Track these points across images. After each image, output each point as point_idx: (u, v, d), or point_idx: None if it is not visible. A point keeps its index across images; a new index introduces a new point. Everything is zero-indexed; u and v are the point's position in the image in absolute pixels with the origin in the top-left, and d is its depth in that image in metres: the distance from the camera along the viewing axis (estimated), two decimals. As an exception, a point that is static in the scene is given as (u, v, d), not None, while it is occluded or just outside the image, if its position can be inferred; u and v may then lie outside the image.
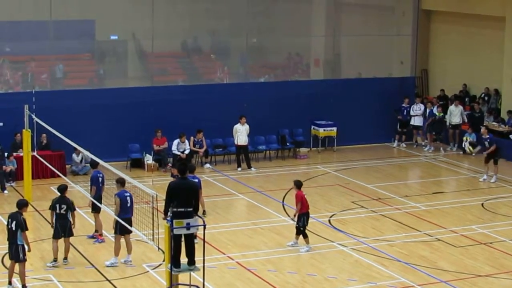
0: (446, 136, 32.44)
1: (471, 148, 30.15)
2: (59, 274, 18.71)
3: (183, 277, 15.93)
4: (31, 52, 30.08)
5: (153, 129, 28.66)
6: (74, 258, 19.71)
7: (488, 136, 28.00)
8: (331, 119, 32.02)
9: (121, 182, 19.17)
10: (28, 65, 30.22)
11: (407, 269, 19.37)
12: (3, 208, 23.73)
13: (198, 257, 15.67)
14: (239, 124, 28.97)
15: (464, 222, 23.15)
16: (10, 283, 17.70)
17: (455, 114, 31.84)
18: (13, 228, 17.37)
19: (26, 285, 17.64)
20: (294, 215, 20.49)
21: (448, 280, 18.70)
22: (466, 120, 31.79)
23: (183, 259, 15.54)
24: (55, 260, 19.20)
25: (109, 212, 19.69)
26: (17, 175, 26.47)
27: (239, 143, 29.01)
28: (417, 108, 32.58)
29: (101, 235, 21.02)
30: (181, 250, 15.42)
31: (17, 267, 17.57)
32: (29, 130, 24.54)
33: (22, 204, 17.80)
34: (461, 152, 31.48)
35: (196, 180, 20.27)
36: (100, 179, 20.77)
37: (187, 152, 28.24)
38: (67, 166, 27.72)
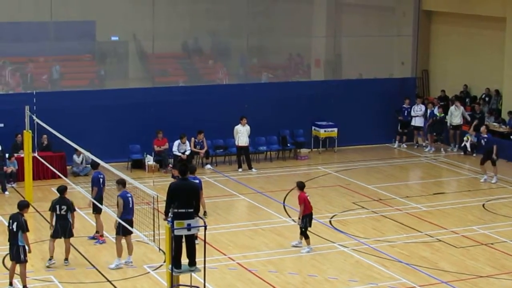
0: (447, 137, 32.44)
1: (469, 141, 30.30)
2: (60, 275, 18.71)
3: (184, 278, 15.94)
4: (32, 53, 30.10)
5: (154, 130, 28.66)
6: (75, 259, 19.71)
7: (486, 135, 27.98)
8: (331, 119, 32.01)
9: (122, 183, 19.16)
10: (28, 66, 30.23)
11: (408, 269, 19.36)
12: (4, 209, 23.74)
13: (199, 258, 15.67)
14: (239, 125, 28.98)
15: (465, 223, 23.14)
16: (11, 284, 17.71)
17: (456, 115, 31.83)
18: (14, 229, 17.37)
19: (27, 286, 17.64)
20: (299, 218, 20.45)
21: (449, 280, 18.69)
22: (469, 119, 31.73)
23: (184, 260, 15.54)
24: (51, 258, 19.20)
25: (110, 213, 19.69)
26: (18, 176, 26.47)
27: (239, 144, 29.02)
28: (418, 109, 32.58)
29: (102, 236, 21.02)
30: (182, 251, 15.42)
31: (18, 268, 17.57)
32: (30, 131, 24.55)
33: (23, 205, 17.81)
34: (462, 153, 31.49)
35: (197, 181, 20.29)
36: (101, 180, 20.78)
37: (187, 153, 28.24)
38: (68, 167, 27.72)
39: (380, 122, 32.92)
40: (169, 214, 15.24)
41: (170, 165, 28.13)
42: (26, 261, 17.53)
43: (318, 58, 34.93)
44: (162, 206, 15.74)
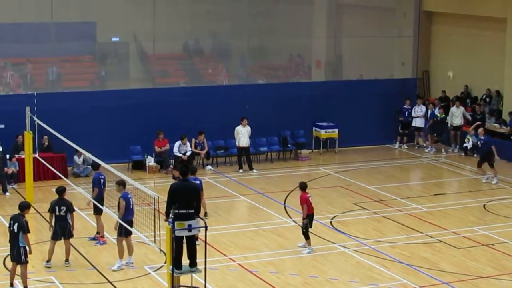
0: (448, 138, 32.44)
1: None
2: (61, 276, 18.71)
3: (184, 279, 15.94)
4: (33, 54, 30.09)
5: (155, 131, 28.66)
6: (76, 260, 19.72)
7: (483, 137, 27.93)
8: (332, 120, 32.02)
9: (122, 184, 19.16)
10: (29, 67, 30.23)
11: (409, 270, 19.36)
12: (4, 210, 23.75)
13: (199, 259, 15.68)
14: (240, 125, 28.98)
15: (465, 224, 23.14)
16: (12, 285, 17.71)
17: (457, 116, 31.85)
18: (15, 230, 17.38)
19: (28, 286, 17.64)
20: (303, 218, 20.43)
21: (450, 281, 18.69)
22: (470, 119, 31.74)
23: (185, 261, 15.54)
24: (48, 260, 19.21)
25: (110, 214, 19.68)
26: (18, 177, 26.48)
27: (240, 145, 29.02)
28: (419, 110, 32.59)
29: (102, 237, 21.03)
30: (183, 252, 15.43)
31: (18, 269, 17.58)
32: (31, 132, 24.56)
33: (24, 206, 17.82)
34: (463, 154, 31.49)
35: (198, 182, 20.32)
36: (102, 181, 20.78)
37: (188, 154, 28.26)
38: (68, 168, 27.73)
39: (380, 123, 32.92)
40: (170, 215, 15.25)
41: (171, 166, 28.11)
42: (26, 262, 17.54)
43: (319, 59, 34.93)
44: (162, 207, 15.75)
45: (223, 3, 32.45)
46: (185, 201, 15.13)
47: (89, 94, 29.60)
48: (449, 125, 32.11)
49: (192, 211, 15.19)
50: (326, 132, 31.81)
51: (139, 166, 28.83)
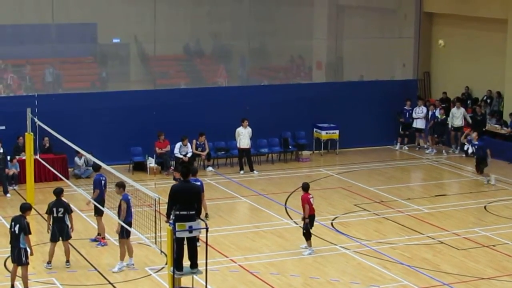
0: (448, 139, 32.44)
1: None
2: (62, 277, 18.71)
3: (185, 280, 15.93)
4: (33, 56, 30.11)
5: (156, 132, 28.67)
6: (77, 261, 19.73)
7: (477, 142, 27.81)
8: (333, 122, 32.01)
9: (122, 185, 19.17)
10: (30, 68, 30.24)
11: (410, 271, 19.35)
12: (5, 211, 23.76)
13: (200, 260, 15.67)
14: (241, 127, 28.98)
15: (466, 225, 23.13)
16: (12, 286, 17.71)
17: (457, 117, 31.85)
18: (16, 232, 17.38)
19: (29, 288, 17.68)
20: (304, 218, 20.44)
21: (451, 282, 18.69)
22: (470, 122, 31.75)
23: (186, 262, 15.54)
24: (49, 263, 19.21)
25: (111, 216, 19.68)
26: (19, 179, 26.49)
27: (241, 146, 29.02)
28: (420, 111, 32.59)
29: (103, 238, 21.03)
30: (184, 253, 15.42)
31: (19, 270, 17.58)
32: (32, 133, 24.57)
33: (26, 208, 17.82)
34: (464, 155, 31.48)
35: (199, 183, 20.31)
36: (103, 182, 20.79)
37: (189, 155, 28.26)
38: (69, 169, 27.74)
39: (381, 124, 32.92)
40: (171, 216, 15.25)
41: (172, 167, 28.13)
42: (27, 263, 17.54)
43: (320, 60, 34.92)
44: (163, 208, 15.75)
45: (224, 4, 32.45)
46: (186, 203, 15.11)
47: (90, 96, 29.61)
48: (449, 126, 32.11)
49: (193, 212, 15.18)
50: (327, 133, 31.82)
51: (140, 167, 28.84)
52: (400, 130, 33.09)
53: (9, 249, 17.75)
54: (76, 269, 19.21)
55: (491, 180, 27.39)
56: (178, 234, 15.01)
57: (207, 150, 29.12)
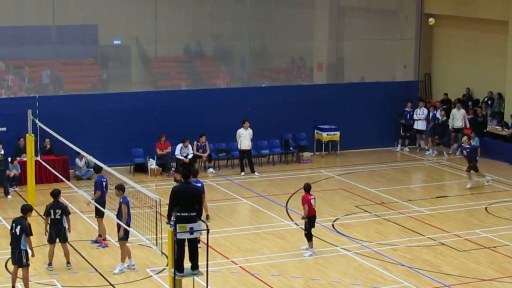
0: (449, 140, 32.43)
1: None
2: (63, 278, 18.72)
3: (186, 282, 15.93)
4: (34, 57, 30.13)
5: (156, 134, 28.68)
6: (78, 262, 19.73)
7: (468, 146, 27.66)
8: (334, 123, 32.02)
9: (122, 188, 19.15)
10: (31, 70, 30.24)
11: (411, 273, 19.35)
12: (6, 213, 23.77)
13: (201, 262, 15.65)
14: (242, 128, 28.98)
15: (467, 226, 23.13)
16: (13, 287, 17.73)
17: (457, 118, 31.85)
18: (17, 233, 17.38)
19: (30, 290, 17.68)
20: (302, 218, 20.45)
21: (452, 284, 18.68)
22: (468, 126, 31.76)
23: (187, 264, 15.53)
24: (50, 264, 19.21)
25: (112, 217, 19.67)
26: (20, 180, 26.50)
27: (242, 148, 29.02)
28: (420, 112, 32.58)
29: (104, 239, 21.03)
30: (185, 254, 15.42)
31: (20, 271, 17.57)
32: (33, 135, 24.56)
33: (27, 209, 17.83)
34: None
35: (199, 185, 20.31)
36: (104, 183, 20.79)
37: (190, 156, 28.26)
38: (70, 170, 27.74)
39: (382, 126, 32.92)
40: (172, 218, 15.24)
41: (173, 169, 28.13)
42: (28, 265, 17.54)
43: (321, 62, 34.92)
44: (164, 209, 15.73)
45: (225, 6, 32.46)
46: (187, 204, 15.10)
47: (90, 97, 29.62)
48: (450, 127, 32.09)
49: (194, 214, 15.16)
50: (328, 134, 31.82)
51: (141, 169, 28.84)
52: (401, 131, 33.09)
53: (10, 250, 17.73)
54: (77, 271, 19.21)
55: (486, 179, 27.34)
56: (179, 236, 15.00)
57: (208, 152, 29.12)
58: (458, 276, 19.20)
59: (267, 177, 28.84)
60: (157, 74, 32.17)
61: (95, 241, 21.16)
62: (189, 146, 28.42)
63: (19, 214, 17.72)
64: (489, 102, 33.57)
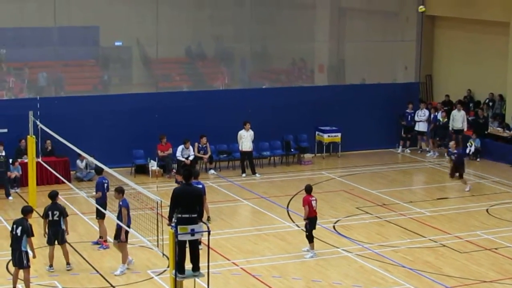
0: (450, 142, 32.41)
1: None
2: (64, 280, 18.71)
3: (187, 283, 15.93)
4: (35, 59, 30.10)
5: (158, 135, 28.68)
6: (79, 264, 19.73)
7: (456, 151, 27.49)
8: (335, 125, 32.02)
9: (122, 191, 19.16)
10: (32, 71, 30.24)
11: (412, 275, 19.34)
12: (7, 214, 23.77)
13: (202, 263, 15.66)
14: (243, 130, 28.98)
15: (469, 228, 23.12)
16: (14, 289, 17.74)
17: (457, 119, 31.82)
18: (18, 234, 17.37)
19: (31, 291, 17.67)
20: (304, 219, 20.46)
21: (453, 286, 18.67)
22: (465, 129, 31.73)
23: (188, 265, 15.53)
24: (51, 266, 19.21)
25: (113, 219, 19.67)
26: (21, 181, 26.49)
27: (243, 149, 29.02)
28: (422, 114, 32.58)
29: (105, 241, 21.03)
30: (186, 256, 15.41)
31: (21, 273, 17.56)
32: (34, 136, 24.57)
33: (27, 211, 17.82)
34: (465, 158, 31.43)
35: (201, 186, 20.29)
36: (105, 185, 20.78)
37: (191, 158, 28.27)
38: (71, 172, 27.74)
39: (383, 127, 32.91)
40: (173, 219, 15.24)
41: (174, 170, 28.13)
42: (29, 266, 17.53)
43: (322, 63, 34.91)
44: (165, 211, 15.73)
45: (226, 7, 32.45)
46: (188, 206, 15.10)
47: (92, 99, 29.62)
48: (450, 128, 32.07)
49: (195, 215, 15.16)
50: (329, 136, 31.82)
51: (142, 170, 28.85)
52: (402, 133, 33.09)
53: (10, 252, 17.73)
54: (78, 272, 19.21)
55: (466, 187, 27.14)
56: (180, 237, 15.00)
57: (209, 153, 29.12)
58: (459, 277, 19.19)
59: (268, 178, 28.83)
60: (158, 75, 32.16)
61: (96, 243, 21.17)
62: (190, 147, 28.43)
63: (20, 216, 17.72)
64: (491, 103, 33.57)
